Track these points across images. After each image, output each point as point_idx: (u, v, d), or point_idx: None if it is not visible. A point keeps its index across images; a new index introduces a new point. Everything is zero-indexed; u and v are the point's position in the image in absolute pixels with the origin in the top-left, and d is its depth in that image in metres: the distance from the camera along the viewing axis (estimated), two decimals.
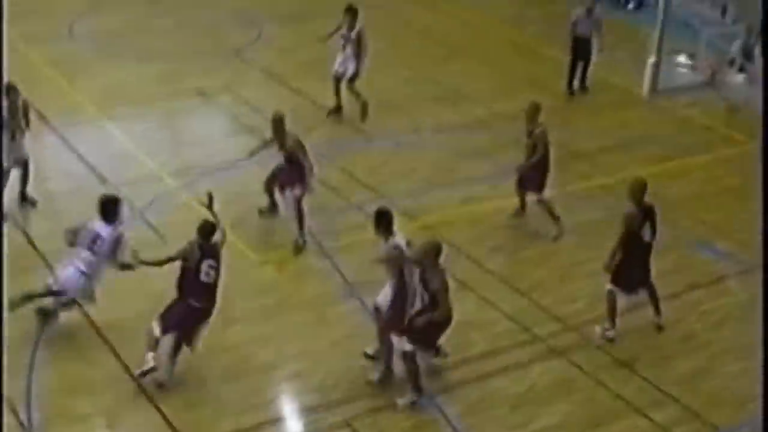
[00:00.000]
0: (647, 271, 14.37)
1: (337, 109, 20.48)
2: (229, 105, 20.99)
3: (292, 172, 15.90)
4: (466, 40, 25.84)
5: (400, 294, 12.65)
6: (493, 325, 14.46)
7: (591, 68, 22.63)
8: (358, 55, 20.04)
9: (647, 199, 14.11)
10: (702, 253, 16.67)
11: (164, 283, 13.00)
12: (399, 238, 12.72)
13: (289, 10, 26.83)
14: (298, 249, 15.83)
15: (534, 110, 16.75)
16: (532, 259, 16.25)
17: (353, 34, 19.94)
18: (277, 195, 16.46)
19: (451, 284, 13.19)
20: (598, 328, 14.45)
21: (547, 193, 17.02)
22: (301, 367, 13.45)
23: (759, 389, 11.04)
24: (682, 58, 16.13)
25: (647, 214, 14.08)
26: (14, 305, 13.22)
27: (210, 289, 12.83)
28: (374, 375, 13.09)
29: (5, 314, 12.82)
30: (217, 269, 12.84)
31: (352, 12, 20.00)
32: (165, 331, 12.67)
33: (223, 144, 19.13)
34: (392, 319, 12.74)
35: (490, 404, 12.95)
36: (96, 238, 13.36)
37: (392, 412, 12.74)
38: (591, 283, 15.37)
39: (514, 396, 13.19)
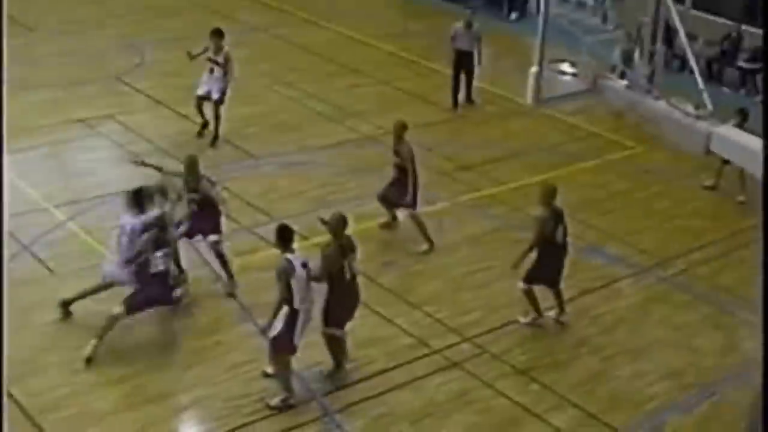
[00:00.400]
0: (560, 272, 14.77)
1: (204, 125, 20.27)
2: (115, 133, 20.69)
3: (203, 218, 15.17)
4: (351, 56, 25.89)
5: (289, 312, 12.58)
6: (390, 340, 14.46)
7: (475, 81, 22.90)
8: (225, 77, 19.88)
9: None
10: (593, 258, 16.86)
11: None
12: (294, 256, 12.65)
13: (172, 34, 26.61)
14: (232, 295, 15.48)
15: (400, 129, 16.77)
16: (425, 272, 16.30)
17: (220, 57, 19.77)
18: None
19: None
20: (521, 319, 14.98)
21: (429, 208, 17.09)
22: (200, 394, 13.28)
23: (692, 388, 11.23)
24: (564, 67, 16.32)
25: (558, 217, 14.44)
26: (67, 303, 14.16)
27: None
28: (273, 399, 13.00)
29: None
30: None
31: (218, 34, 19.84)
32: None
33: (110, 173, 18.83)
34: (281, 337, 12.67)
35: (391, 420, 12.92)
36: (125, 230, 13.78)
37: None
38: (484, 294, 15.50)
39: (415, 410, 13.18)
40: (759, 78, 25.20)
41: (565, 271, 14.92)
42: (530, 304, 14.85)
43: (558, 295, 15.01)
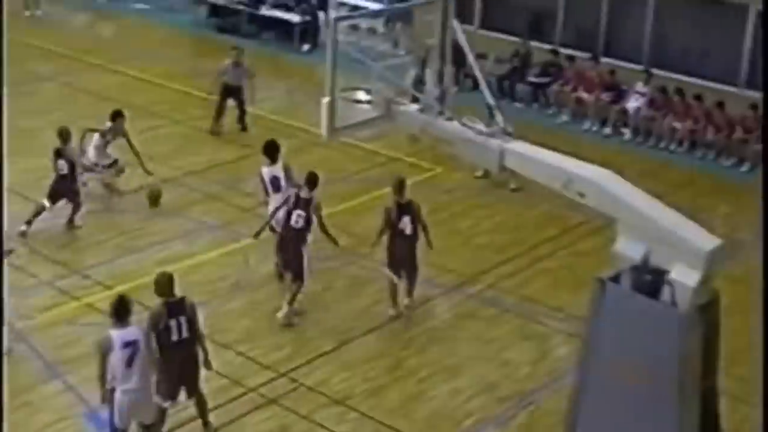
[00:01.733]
0: (412, 260, 15.89)
1: None
2: None
3: None
4: (144, 99, 25.46)
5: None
6: (203, 383, 14.20)
7: (247, 111, 23.50)
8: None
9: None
10: (400, 281, 16.92)
11: None
12: (120, 332, 12.05)
13: None
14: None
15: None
16: (235, 311, 16.13)
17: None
18: None
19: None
20: (391, 310, 15.78)
21: (234, 246, 16.95)
22: None
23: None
24: (358, 95, 16.38)
25: (405, 208, 15.62)
26: None
27: None
28: None
29: None
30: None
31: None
32: None
33: None
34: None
35: None
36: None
37: None
38: (295, 327, 15.46)
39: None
40: (549, 91, 25.86)
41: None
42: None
43: (411, 281, 15.94)
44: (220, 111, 23.45)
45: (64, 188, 18.43)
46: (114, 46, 30.25)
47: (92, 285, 16.53)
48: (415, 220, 15.83)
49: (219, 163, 21.45)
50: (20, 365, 14.56)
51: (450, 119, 13.49)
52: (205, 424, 13.20)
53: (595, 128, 24.87)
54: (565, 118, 25.49)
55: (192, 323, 12.60)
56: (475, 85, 22.46)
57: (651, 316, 11.23)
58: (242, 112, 23.49)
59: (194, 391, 12.92)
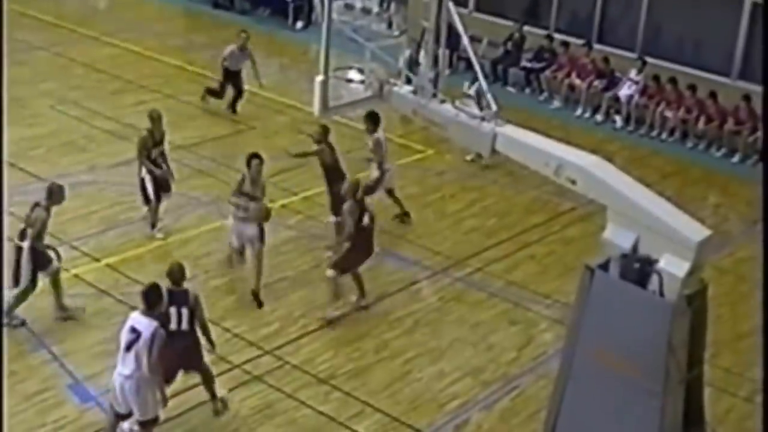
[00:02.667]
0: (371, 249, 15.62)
1: None
2: None
3: None
4: (136, 72, 25.41)
5: None
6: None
7: (242, 97, 23.29)
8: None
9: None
10: (388, 263, 16.97)
11: None
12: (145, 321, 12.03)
13: None
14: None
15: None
16: (222, 287, 16.10)
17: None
18: None
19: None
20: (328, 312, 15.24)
21: (223, 222, 16.95)
22: None
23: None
24: (351, 74, 16.37)
25: (361, 206, 15.27)
26: None
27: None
28: None
29: None
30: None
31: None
32: None
33: None
34: None
35: None
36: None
37: None
38: (282, 304, 15.48)
39: (219, 427, 13.03)
40: (543, 77, 25.83)
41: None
42: (333, 295, 15.29)
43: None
44: (221, 92, 23.21)
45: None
46: (107, 18, 30.19)
47: (80, 256, 16.52)
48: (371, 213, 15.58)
49: (210, 139, 21.40)
50: (7, 335, 14.55)
51: (443, 102, 13.49)
52: (213, 396, 13.20)
53: (587, 115, 24.86)
54: (557, 104, 25.48)
55: (193, 315, 12.59)
56: (469, 68, 22.69)
57: (639, 305, 11.25)
58: (238, 97, 23.29)
59: (197, 369, 13.01)
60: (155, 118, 17.49)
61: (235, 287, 16.11)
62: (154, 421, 12.22)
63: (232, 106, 23.32)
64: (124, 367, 11.86)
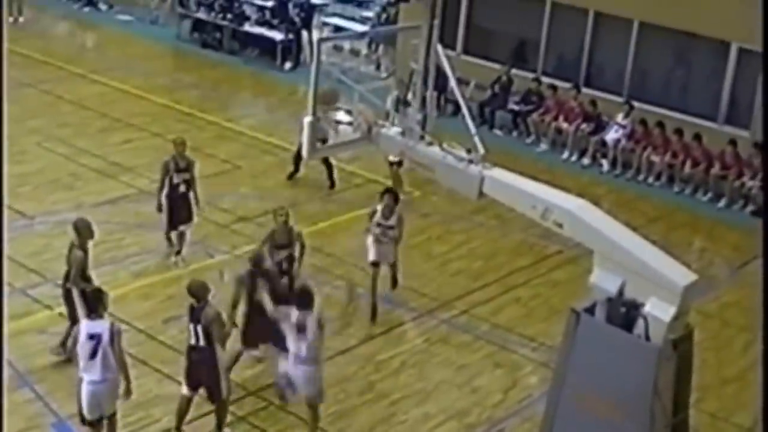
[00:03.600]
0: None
1: None
2: None
3: None
4: (124, 110, 25.38)
5: None
6: (173, 399, 14.10)
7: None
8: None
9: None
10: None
11: None
12: (88, 323, 12.19)
13: None
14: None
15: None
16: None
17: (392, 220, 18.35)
18: None
19: (127, 361, 12.89)
20: None
21: (209, 261, 16.92)
22: None
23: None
24: (339, 115, 16.45)
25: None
26: None
27: None
28: None
29: None
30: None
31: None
32: None
33: None
34: None
35: None
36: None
37: None
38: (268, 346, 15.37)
39: None
40: (530, 120, 25.90)
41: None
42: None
43: None
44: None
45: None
46: (95, 56, 30.24)
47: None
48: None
49: (197, 177, 21.37)
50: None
51: (431, 144, 13.53)
52: (218, 428, 13.35)
53: (573, 158, 24.92)
54: (544, 147, 25.54)
55: (207, 332, 12.87)
56: (456, 111, 22.79)
57: (624, 349, 11.26)
58: None
59: (216, 398, 13.17)
60: (178, 144, 17.80)
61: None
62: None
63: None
64: (92, 374, 12.20)
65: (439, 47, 13.92)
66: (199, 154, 22.38)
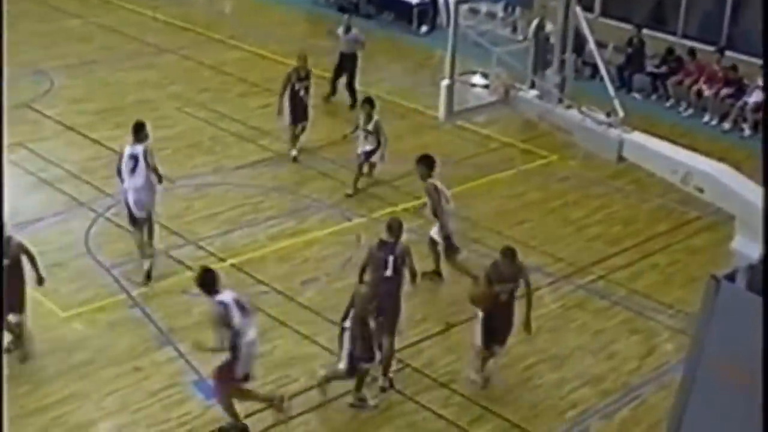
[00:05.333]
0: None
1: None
2: (26, 160, 20.28)
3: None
4: (262, 75, 25.66)
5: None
6: (311, 359, 14.36)
7: (356, 82, 23.92)
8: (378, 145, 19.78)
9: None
10: None
11: None
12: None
13: (80, 59, 26.27)
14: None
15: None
16: (346, 289, 16.07)
17: (371, 126, 19.56)
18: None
19: (266, 322, 13.08)
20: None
21: (346, 224, 17.09)
22: (121, 422, 13.11)
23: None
24: (476, 79, 16.41)
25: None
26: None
27: None
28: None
29: None
30: None
31: (368, 103, 19.67)
32: None
33: (22, 200, 18.48)
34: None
35: None
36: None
37: None
38: (406, 308, 15.43)
39: (337, 429, 13.12)
40: (669, 83, 25.48)
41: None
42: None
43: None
44: (334, 81, 24.21)
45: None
46: (234, 23, 30.59)
47: (206, 256, 16.76)
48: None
49: (332, 141, 21.53)
50: (134, 331, 14.88)
51: (569, 107, 13.42)
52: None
53: (714, 123, 24.45)
54: (683, 110, 25.10)
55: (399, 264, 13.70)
56: (594, 74, 22.53)
57: (765, 318, 11.04)
58: (352, 85, 24.02)
59: (391, 329, 13.66)
60: (301, 57, 20.83)
61: None
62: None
63: (351, 93, 24.04)
64: (135, 181, 15.73)
65: (578, 9, 13.77)
66: (335, 119, 22.63)
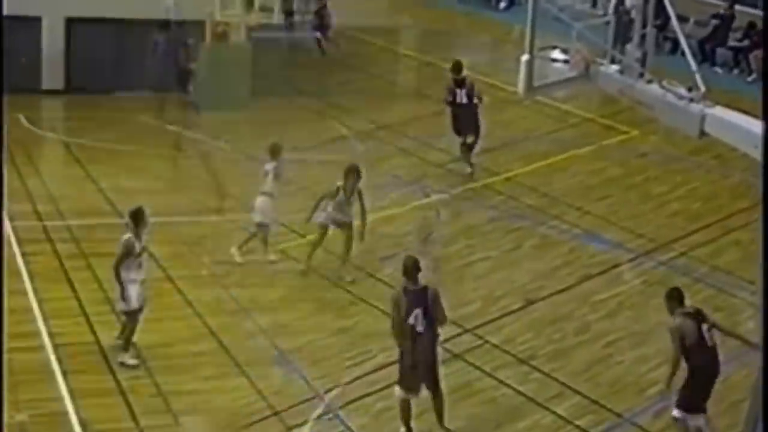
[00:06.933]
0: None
1: None
2: None
3: None
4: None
5: None
6: (389, 335, 14.36)
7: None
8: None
9: None
10: (590, 245, 16.81)
11: None
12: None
13: None
14: None
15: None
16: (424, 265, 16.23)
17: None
18: None
19: (345, 297, 13.07)
20: None
21: (426, 200, 17.05)
22: None
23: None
24: (556, 54, 16.36)
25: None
26: None
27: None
28: None
29: None
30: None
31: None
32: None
33: None
34: None
35: (393, 414, 12.77)
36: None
37: None
38: (483, 284, 15.48)
39: (417, 403, 13.06)
40: (752, 57, 25.10)
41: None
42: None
43: None
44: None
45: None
46: None
47: (287, 232, 16.86)
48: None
49: (413, 118, 21.54)
50: None
51: (650, 81, 13.28)
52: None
53: None
54: None
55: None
56: (674, 48, 22.31)
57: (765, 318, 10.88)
58: None
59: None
60: (455, 67, 19.55)
61: (438, 266, 16.21)
62: None
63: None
64: None
65: None
66: (416, 96, 22.64)
